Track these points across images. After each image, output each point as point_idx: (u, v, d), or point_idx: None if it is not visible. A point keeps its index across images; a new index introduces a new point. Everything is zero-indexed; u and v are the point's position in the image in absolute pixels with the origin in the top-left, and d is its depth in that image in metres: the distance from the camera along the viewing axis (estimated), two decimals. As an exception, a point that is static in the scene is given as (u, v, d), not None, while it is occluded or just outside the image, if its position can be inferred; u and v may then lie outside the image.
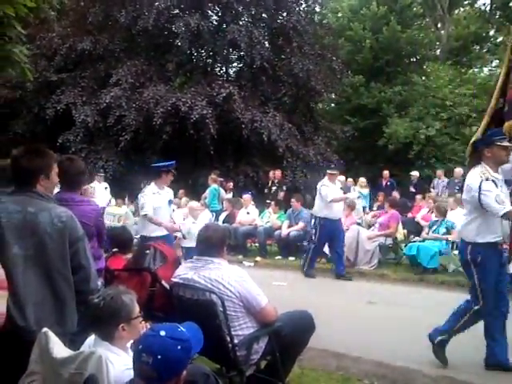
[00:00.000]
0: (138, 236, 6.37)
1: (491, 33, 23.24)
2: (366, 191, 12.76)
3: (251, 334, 3.21)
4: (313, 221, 8.79)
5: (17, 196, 2.57)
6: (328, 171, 8.60)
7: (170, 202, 6.35)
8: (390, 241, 9.29)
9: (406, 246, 8.97)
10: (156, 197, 6.04)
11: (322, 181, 8.39)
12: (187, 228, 8.19)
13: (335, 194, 8.27)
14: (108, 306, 2.25)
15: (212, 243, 3.27)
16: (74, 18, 15.96)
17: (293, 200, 10.33)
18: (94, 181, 11.01)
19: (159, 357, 1.83)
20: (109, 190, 11.66)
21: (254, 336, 3.22)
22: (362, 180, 13.08)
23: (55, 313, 2.55)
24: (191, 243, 6.79)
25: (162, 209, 6.10)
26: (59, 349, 2.21)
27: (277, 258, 9.93)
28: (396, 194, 12.12)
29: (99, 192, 10.96)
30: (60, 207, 2.64)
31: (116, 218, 10.48)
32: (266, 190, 12.68)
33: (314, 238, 8.43)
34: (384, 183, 13.30)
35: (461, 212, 9.63)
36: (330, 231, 8.29)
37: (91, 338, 2.37)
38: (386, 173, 13.58)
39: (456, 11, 24.40)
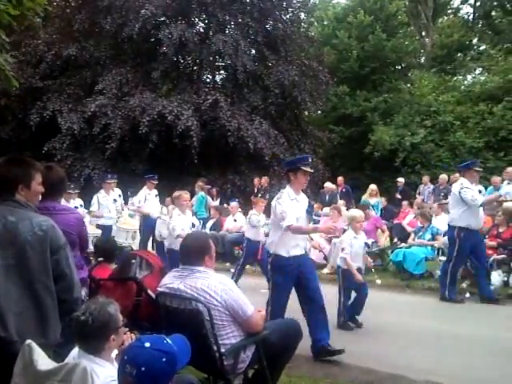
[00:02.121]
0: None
1: (474, 41, 23.64)
2: (374, 200, 12.01)
3: (238, 342, 3.20)
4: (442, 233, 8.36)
5: None
6: (463, 167, 7.33)
7: None
8: (376, 247, 9.36)
9: (392, 252, 9.01)
10: None
11: (460, 183, 7.04)
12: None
13: (479, 197, 7.04)
14: (97, 320, 2.22)
15: (192, 252, 3.26)
16: (60, 25, 15.93)
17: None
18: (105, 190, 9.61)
19: (143, 368, 1.81)
20: (158, 197, 10.36)
21: (241, 345, 3.21)
22: (372, 188, 12.33)
23: (37, 323, 2.51)
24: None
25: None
26: (43, 361, 2.18)
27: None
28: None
29: (151, 200, 10.03)
30: (41, 216, 2.61)
31: (130, 235, 9.16)
32: (252, 197, 12.68)
33: (452, 254, 7.01)
34: (340, 190, 13.07)
35: (445, 218, 9.79)
36: (473, 244, 6.96)
37: (75, 350, 2.33)
38: (340, 179, 13.39)
39: (440, 20, 24.80)
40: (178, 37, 14.35)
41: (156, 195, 10.22)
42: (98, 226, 8.75)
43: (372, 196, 12.19)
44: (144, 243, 9.85)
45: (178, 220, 7.01)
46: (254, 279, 8.59)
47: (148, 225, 9.80)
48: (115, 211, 9.50)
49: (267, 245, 5.11)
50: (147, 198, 9.99)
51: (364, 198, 12.27)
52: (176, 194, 7.40)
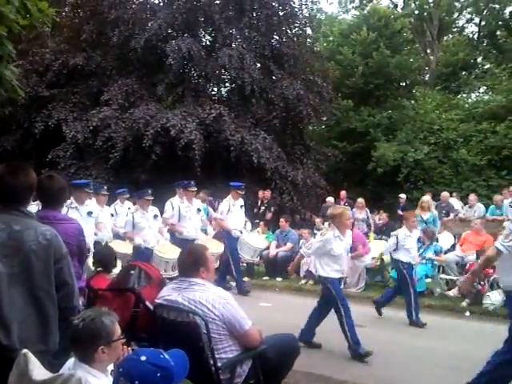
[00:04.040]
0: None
1: (479, 60, 23.80)
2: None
3: (235, 357, 3.19)
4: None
5: (1, 214, 2.56)
6: None
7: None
8: (377, 262, 9.33)
9: (392, 268, 8.97)
10: None
11: None
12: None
13: None
14: (87, 327, 2.21)
15: (188, 264, 3.28)
16: (68, 35, 16.09)
17: (281, 220, 10.34)
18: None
19: (136, 382, 1.80)
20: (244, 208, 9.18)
21: (238, 359, 3.20)
22: (359, 201, 12.10)
23: (39, 331, 2.52)
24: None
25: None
26: (39, 371, 2.18)
27: (264, 278, 9.90)
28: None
29: (235, 213, 8.67)
30: (44, 225, 2.64)
31: (170, 265, 7.35)
32: (255, 210, 12.67)
33: None
34: (342, 204, 13.07)
35: (448, 236, 9.77)
36: None
37: (71, 361, 2.33)
38: (343, 193, 13.38)
39: (445, 38, 25.01)
40: (185, 50, 14.45)
41: (241, 206, 8.90)
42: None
43: (360, 209, 11.92)
44: (236, 265, 8.62)
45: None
46: (253, 292, 8.57)
47: (232, 242, 8.52)
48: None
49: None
50: (231, 210, 8.67)
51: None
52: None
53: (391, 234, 7.34)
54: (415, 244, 7.13)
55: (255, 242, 8.84)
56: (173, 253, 7.15)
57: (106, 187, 8.71)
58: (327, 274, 5.33)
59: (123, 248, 7.41)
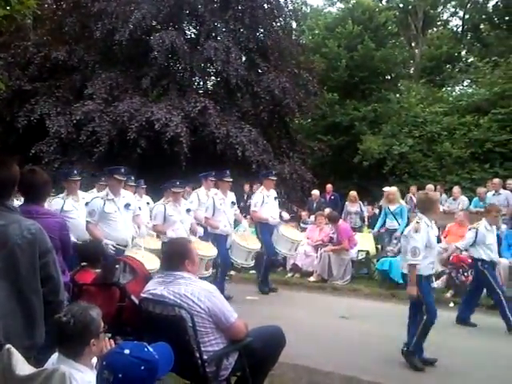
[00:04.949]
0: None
1: (463, 53, 24.01)
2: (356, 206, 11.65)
3: (221, 349, 3.19)
4: None
5: None
6: None
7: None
8: (362, 256, 9.40)
9: (378, 261, 9.05)
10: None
11: None
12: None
13: None
14: (79, 322, 2.22)
15: (173, 257, 3.28)
16: (51, 27, 15.86)
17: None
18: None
19: (120, 375, 1.80)
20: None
21: (224, 352, 3.20)
22: (352, 194, 11.69)
23: (24, 325, 2.51)
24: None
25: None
26: (22, 366, 2.16)
27: (251, 272, 9.91)
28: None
29: (270, 204, 8.13)
30: (28, 220, 2.62)
31: (204, 263, 6.48)
32: (241, 204, 12.66)
33: None
34: (328, 197, 13.09)
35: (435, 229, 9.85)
36: None
37: (55, 355, 2.32)
38: (329, 186, 13.34)
39: (429, 31, 25.16)
40: (169, 43, 14.35)
41: (275, 198, 8.36)
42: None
43: (353, 202, 11.59)
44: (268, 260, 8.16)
45: None
46: (240, 286, 8.58)
47: (266, 234, 8.06)
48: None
49: None
50: (265, 201, 8.17)
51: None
52: None
53: (468, 226, 6.78)
54: (495, 240, 6.41)
55: (293, 234, 8.17)
56: (208, 250, 6.70)
57: (132, 178, 7.94)
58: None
59: (153, 244, 6.75)
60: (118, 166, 6.07)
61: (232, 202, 7.78)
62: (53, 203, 6.04)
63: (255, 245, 7.58)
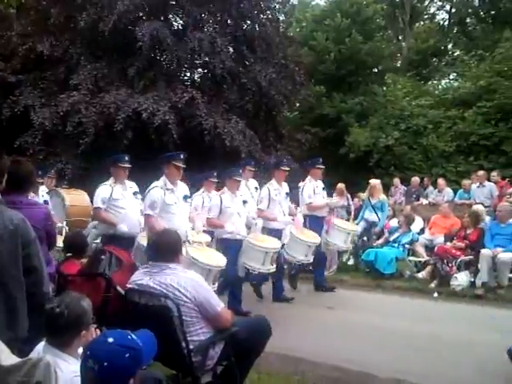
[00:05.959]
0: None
1: (449, 47, 24.14)
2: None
3: (207, 339, 3.21)
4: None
5: None
6: None
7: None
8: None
9: (363, 251, 9.12)
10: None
11: None
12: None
13: None
14: (73, 313, 2.21)
15: (167, 249, 3.28)
16: (35, 17, 15.60)
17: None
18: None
19: (105, 364, 1.79)
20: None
21: (210, 341, 3.23)
22: (339, 187, 10.89)
23: (7, 317, 2.49)
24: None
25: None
26: (6, 356, 2.15)
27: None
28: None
29: (321, 195, 7.56)
30: (11, 210, 2.60)
31: (270, 256, 6.15)
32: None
33: None
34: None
35: (417, 219, 9.96)
36: None
37: (41, 345, 2.31)
38: None
39: (416, 25, 25.22)
40: (154, 33, 14.22)
41: (323, 188, 7.72)
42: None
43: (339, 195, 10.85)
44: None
45: None
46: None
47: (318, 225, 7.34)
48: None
49: None
50: (316, 192, 7.54)
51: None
52: None
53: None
54: None
55: (347, 225, 7.61)
56: (270, 242, 6.15)
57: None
58: None
59: (205, 238, 5.90)
60: (179, 152, 5.74)
61: (286, 193, 7.17)
62: (100, 190, 5.53)
63: (315, 239, 6.88)
